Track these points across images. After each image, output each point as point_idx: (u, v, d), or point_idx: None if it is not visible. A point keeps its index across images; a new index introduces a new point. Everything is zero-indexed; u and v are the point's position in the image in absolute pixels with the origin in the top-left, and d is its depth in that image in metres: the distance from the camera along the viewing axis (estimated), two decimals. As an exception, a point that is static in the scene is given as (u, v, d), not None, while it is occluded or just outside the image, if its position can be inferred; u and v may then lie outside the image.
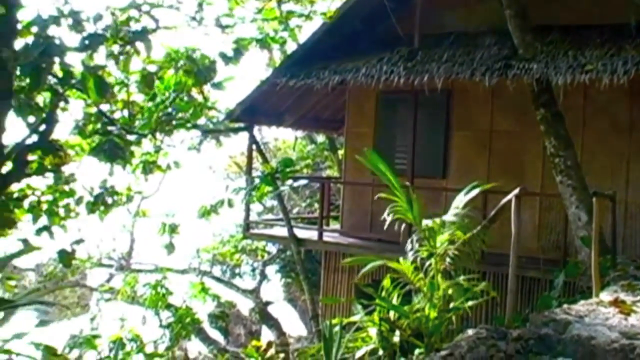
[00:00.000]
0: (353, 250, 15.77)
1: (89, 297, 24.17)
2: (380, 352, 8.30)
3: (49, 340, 7.20)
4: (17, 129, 8.97)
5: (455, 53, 14.47)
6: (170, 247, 12.39)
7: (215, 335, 23.40)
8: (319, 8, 15.92)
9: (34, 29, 8.40)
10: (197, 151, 16.17)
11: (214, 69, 11.27)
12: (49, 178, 10.24)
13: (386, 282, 8.84)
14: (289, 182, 16.33)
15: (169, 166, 14.01)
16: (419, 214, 9.04)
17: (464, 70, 13.95)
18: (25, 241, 10.23)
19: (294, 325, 26.54)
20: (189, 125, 13.56)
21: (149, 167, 13.31)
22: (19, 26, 8.57)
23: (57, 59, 8.14)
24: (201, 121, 14.19)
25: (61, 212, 10.51)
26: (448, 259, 8.68)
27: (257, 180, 17.10)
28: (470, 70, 13.85)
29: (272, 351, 16.98)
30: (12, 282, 13.34)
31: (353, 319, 9.03)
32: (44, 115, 9.17)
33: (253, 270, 26.90)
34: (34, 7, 8.37)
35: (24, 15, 8.60)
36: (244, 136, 18.60)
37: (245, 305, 25.35)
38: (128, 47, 9.52)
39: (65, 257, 9.77)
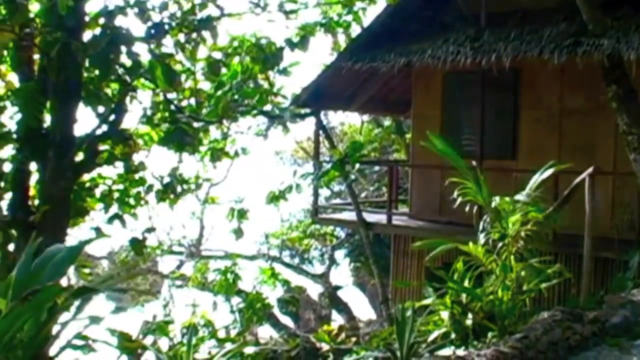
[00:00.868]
0: (422, 233, 15.64)
1: (160, 284, 24.46)
2: (453, 336, 8.22)
3: (123, 327, 7.30)
4: (87, 120, 9.10)
5: (523, 31, 14.19)
6: (239, 233, 12.47)
7: (286, 320, 23.53)
8: (383, -10, 15.81)
9: (101, 21, 8.48)
10: (264, 137, 16.20)
11: (280, 55, 11.29)
12: (119, 167, 10.38)
13: (458, 265, 8.73)
14: (358, 166, 16.27)
15: (236, 153, 14.08)
16: (488, 196, 8.92)
17: (532, 48, 13.66)
18: (97, 229, 10.41)
19: (363, 309, 26.54)
20: (255, 111, 13.60)
21: (216, 154, 13.39)
22: (87, 18, 8.68)
23: (124, 49, 8.21)
24: (267, 107, 14.21)
25: (132, 200, 10.64)
26: (521, 241, 8.54)
27: (324, 165, 17.07)
28: (538, 48, 13.56)
29: (342, 335, 16.99)
30: (86, 270, 13.56)
31: (424, 302, 8.94)
32: (113, 105, 9.28)
33: (322, 255, 26.96)
34: (101, -1, 8.46)
35: (91, 7, 8.70)
36: (310, 121, 18.57)
37: (314, 290, 25.43)
38: (194, 35, 9.57)
39: (137, 244, 9.91)
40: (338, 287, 25.64)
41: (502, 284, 8.23)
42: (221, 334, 16.54)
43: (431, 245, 9.62)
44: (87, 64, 8.63)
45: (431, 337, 8.27)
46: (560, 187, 12.41)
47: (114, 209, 10.55)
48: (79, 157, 9.08)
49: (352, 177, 18.63)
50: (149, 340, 13.40)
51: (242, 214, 12.04)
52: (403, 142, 25.01)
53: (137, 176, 10.49)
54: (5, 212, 8.76)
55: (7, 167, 9.04)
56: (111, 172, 10.63)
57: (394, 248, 17.75)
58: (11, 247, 8.49)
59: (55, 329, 4.84)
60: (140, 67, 8.68)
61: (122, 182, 10.54)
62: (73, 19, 8.30)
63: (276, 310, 22.54)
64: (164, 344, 14.40)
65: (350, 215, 18.04)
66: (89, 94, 8.85)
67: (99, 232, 10.05)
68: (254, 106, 12.84)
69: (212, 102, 11.70)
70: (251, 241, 25.95)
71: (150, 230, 10.38)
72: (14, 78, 9.39)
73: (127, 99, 9.67)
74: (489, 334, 7.83)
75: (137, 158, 10.18)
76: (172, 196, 10.85)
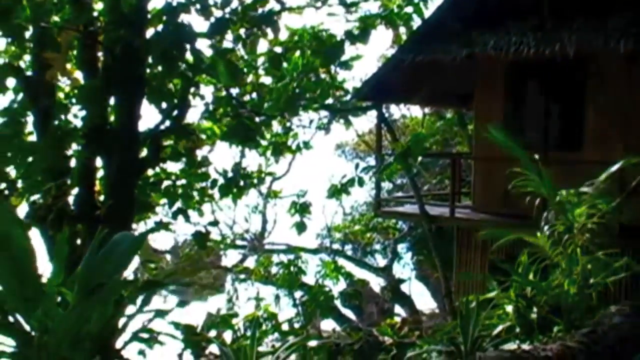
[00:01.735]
0: (486, 226, 15.43)
1: (223, 277, 24.66)
2: (517, 330, 8.12)
3: (186, 320, 7.37)
4: (150, 116, 9.21)
5: (588, 20, 13.94)
6: (301, 227, 12.50)
7: (348, 313, 23.54)
8: (443, -19, 15.68)
9: (164, 18, 8.56)
10: (326, 131, 16.20)
11: (341, 49, 11.27)
12: (183, 162, 10.48)
13: (522, 258, 8.62)
14: (420, 159, 16.18)
15: (298, 147, 14.10)
16: (552, 188, 8.79)
17: (597, 37, 13.40)
18: (162, 224, 10.53)
19: (426, 302, 26.43)
20: (316, 105, 13.60)
21: (278, 148, 13.44)
22: (150, 16, 8.78)
23: (187, 46, 8.28)
24: (329, 101, 14.20)
25: (195, 195, 10.74)
26: (587, 234, 8.40)
27: (386, 159, 17.01)
28: (603, 37, 13.31)
29: (405, 329, 16.94)
30: (152, 265, 13.74)
31: (488, 295, 8.85)
32: (176, 101, 9.37)
33: (384, 248, 26.89)
34: (163, -4, 8.54)
35: (154, 4, 8.80)
36: (372, 115, 18.52)
37: (377, 284, 25.39)
38: (255, 30, 9.60)
39: (201, 238, 10.00)
40: (401, 281, 25.56)
41: (568, 278, 8.10)
42: (284, 327, 16.62)
43: (496, 235, 9.52)
44: (150, 60, 8.72)
45: (495, 331, 8.18)
46: (627, 179, 12.18)
47: (178, 203, 10.65)
48: (143, 152, 9.19)
49: (415, 170, 18.54)
50: (212, 333, 13.53)
51: (304, 208, 12.07)
52: (465, 134, 24.78)
53: (200, 171, 10.57)
54: (72, 207, 8.91)
55: (74, 163, 9.20)
56: (175, 167, 10.74)
57: (457, 241, 17.59)
58: (78, 241, 8.63)
59: (121, 322, 4.90)
60: (202, 63, 8.74)
61: (186, 177, 10.63)
62: (136, 17, 8.40)
63: (339, 304, 22.57)
64: (227, 337, 14.53)
65: (412, 209, 17.94)
66: (152, 90, 8.94)
67: (161, 224, 10.18)
68: (315, 100, 12.84)
69: (274, 96, 11.73)
70: (313, 235, 26.02)
71: (214, 224, 10.46)
72: (79, 76, 9.54)
73: (190, 94, 9.76)
74: (555, 329, 7.72)
75: (200, 153, 10.26)
76: (235, 190, 10.91)
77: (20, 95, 9.27)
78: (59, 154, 8.91)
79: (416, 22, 17.27)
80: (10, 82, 9.19)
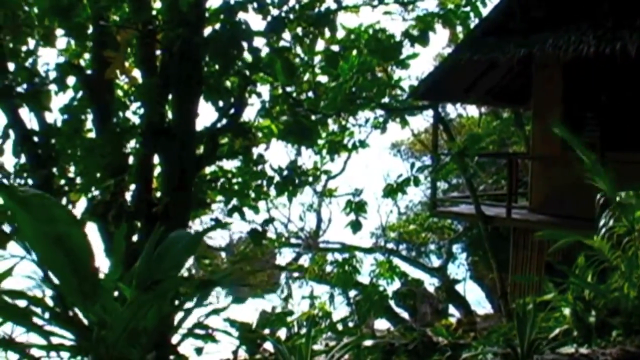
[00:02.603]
0: (543, 227, 15.25)
1: (277, 275, 24.73)
2: (575, 333, 7.99)
3: (241, 317, 7.39)
4: (208, 114, 9.27)
5: (649, 18, 13.69)
6: (356, 226, 12.47)
7: (402, 313, 23.46)
8: (501, -20, 15.53)
9: (222, 16, 8.60)
10: (382, 130, 16.13)
11: (398, 48, 11.23)
12: (239, 160, 10.53)
13: (580, 260, 8.49)
14: (476, 158, 16.04)
15: (354, 146, 14.08)
16: (612, 188, 8.64)
17: (659, 36, 13.16)
18: (217, 221, 10.60)
19: (480, 303, 26.23)
20: (373, 104, 13.56)
21: (334, 147, 13.43)
22: (207, 14, 8.83)
23: (244, 44, 8.31)
24: (385, 100, 14.15)
25: (251, 193, 10.78)
26: (648, 236, 8.23)
27: (442, 158, 16.90)
28: (666, 35, 13.06)
29: (460, 330, 16.82)
30: (206, 261, 13.82)
31: (545, 297, 8.73)
32: (233, 99, 9.41)
33: (439, 248, 26.75)
34: (221, -6, 8.58)
35: (211, 3, 8.85)
36: (428, 114, 18.44)
37: (431, 284, 25.28)
38: (312, 29, 9.61)
39: (257, 236, 10.03)
40: (455, 281, 25.40)
41: (627, 281, 7.96)
42: (338, 326, 16.61)
43: (553, 236, 9.39)
44: (207, 59, 8.78)
45: (552, 334, 8.07)
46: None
47: (234, 201, 10.71)
48: (200, 150, 9.26)
49: (470, 170, 18.41)
50: (265, 331, 13.58)
51: (360, 207, 12.04)
52: (522, 134, 24.51)
53: (256, 169, 10.61)
54: (129, 204, 9.01)
55: (132, 161, 9.30)
56: (231, 164, 10.79)
57: (513, 242, 17.42)
58: (134, 238, 8.73)
59: (177, 318, 4.94)
60: (260, 61, 8.77)
61: (242, 175, 10.68)
62: (194, 15, 8.46)
63: (392, 303, 22.50)
64: (281, 335, 14.58)
65: (468, 209, 17.81)
66: (209, 88, 9.00)
67: (217, 222, 10.24)
68: (371, 99, 12.80)
69: (330, 95, 11.73)
70: (368, 234, 25.98)
71: (270, 221, 10.48)
72: (137, 74, 9.64)
73: (247, 92, 9.81)
74: (614, 333, 7.59)
75: (256, 151, 10.30)
76: (290, 188, 10.93)
77: (80, 93, 9.39)
78: (118, 151, 9.02)
79: (473, 21, 17.18)
80: (71, 80, 9.33)
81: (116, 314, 4.15)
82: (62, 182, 9.28)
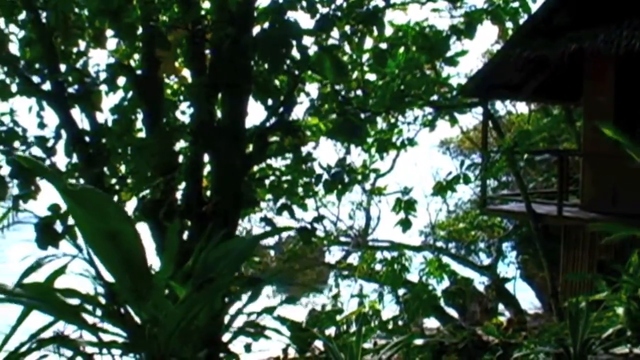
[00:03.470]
0: (594, 225, 15.10)
1: (326, 274, 24.74)
2: (629, 333, 7.89)
3: (289, 315, 7.40)
4: (257, 112, 9.29)
5: None
6: (406, 224, 12.42)
7: (451, 311, 23.34)
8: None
9: (271, 15, 8.62)
10: (431, 128, 16.05)
11: (446, 44, 11.16)
12: (288, 158, 10.54)
13: (633, 259, 8.37)
14: (526, 156, 15.90)
15: (403, 144, 14.03)
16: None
17: None
18: (266, 220, 10.62)
19: (530, 302, 26.00)
20: (421, 102, 13.50)
21: (383, 145, 13.39)
22: (256, 13, 8.86)
23: (294, 43, 8.31)
24: (434, 97, 14.08)
25: (300, 191, 10.79)
26: None
27: (492, 156, 16.77)
28: None
29: (510, 330, 16.69)
30: (256, 259, 13.88)
31: (598, 296, 8.62)
32: (282, 97, 9.43)
33: (489, 246, 26.57)
34: (270, -7, 8.59)
35: (260, 2, 8.87)
36: (477, 111, 18.32)
37: (480, 282, 25.12)
38: (360, 27, 9.58)
39: (306, 234, 10.03)
40: (505, 280, 25.20)
41: (683, 280, 7.84)
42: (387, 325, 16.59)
43: (608, 229, 9.26)
44: (256, 57, 8.80)
45: (605, 334, 7.96)
46: None
47: (283, 199, 10.72)
48: (249, 148, 9.29)
49: (520, 167, 18.25)
50: (314, 329, 13.59)
51: (409, 205, 11.98)
52: (573, 131, 24.22)
53: (305, 167, 10.62)
54: (179, 203, 9.07)
55: (181, 159, 9.37)
56: (280, 163, 10.81)
57: (564, 240, 17.25)
58: (184, 236, 8.78)
59: (228, 316, 4.96)
60: (308, 60, 8.77)
61: (291, 173, 10.69)
62: (243, 15, 8.49)
63: (442, 302, 22.38)
64: (330, 333, 14.58)
65: (518, 207, 17.67)
66: (258, 87, 9.02)
67: (273, 226, 10.28)
68: (420, 96, 12.74)
69: (379, 92, 11.69)
70: (417, 232, 25.89)
71: (319, 220, 10.48)
72: (187, 73, 9.70)
73: (295, 91, 9.81)
74: (669, 332, 7.48)
75: (305, 149, 10.30)
76: (339, 186, 10.91)
77: (130, 93, 9.47)
78: (168, 150, 9.07)
79: (523, 18, 17.01)
80: (121, 80, 9.41)
81: (168, 311, 4.18)
82: (113, 181, 9.36)
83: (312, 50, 8.85)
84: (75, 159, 9.19)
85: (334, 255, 25.50)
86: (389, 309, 19.54)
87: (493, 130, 18.95)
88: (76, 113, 9.16)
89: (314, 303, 22.05)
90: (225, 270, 4.34)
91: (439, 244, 25.69)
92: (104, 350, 4.44)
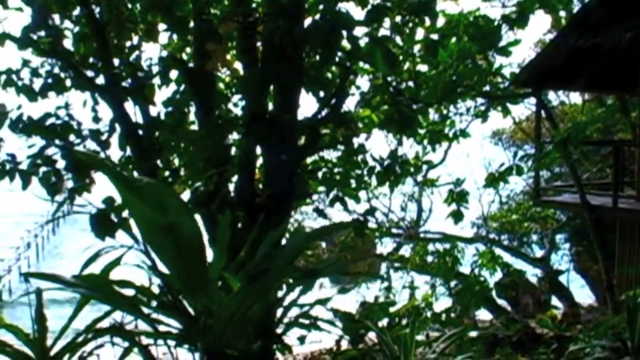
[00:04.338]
0: (651, 217, 14.88)
1: (378, 265, 24.71)
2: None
3: (340, 306, 7.40)
4: (309, 104, 9.29)
5: None
6: (458, 216, 12.33)
7: (503, 304, 23.18)
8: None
9: (322, 6, 8.61)
10: (483, 119, 15.90)
11: (498, 34, 11.04)
12: (340, 150, 10.53)
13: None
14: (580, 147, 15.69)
15: (455, 135, 13.92)
16: None
17: None
18: (319, 211, 10.63)
19: (584, 295, 25.74)
20: (473, 92, 13.39)
21: (435, 136, 13.31)
22: (307, 5, 8.85)
23: (345, 34, 8.29)
24: (486, 88, 13.94)
25: (353, 183, 10.77)
26: None
27: (545, 147, 16.58)
28: None
29: (565, 323, 16.54)
30: (307, 251, 13.90)
31: (656, 290, 8.49)
32: (333, 89, 9.42)
33: (541, 238, 26.32)
34: (320, -15, 8.57)
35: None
36: (529, 102, 18.13)
37: (533, 274, 24.90)
38: (412, 17, 9.51)
39: (359, 227, 10.02)
40: (559, 272, 24.94)
41: None
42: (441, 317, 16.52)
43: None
44: (308, 49, 8.79)
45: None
46: None
47: (335, 191, 10.72)
48: (302, 140, 9.29)
49: (574, 158, 18.01)
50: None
51: (461, 197, 11.88)
52: (628, 121, 23.83)
53: (357, 158, 10.60)
54: (232, 195, 9.11)
55: (234, 152, 9.41)
56: (332, 155, 10.81)
57: (619, 232, 17.00)
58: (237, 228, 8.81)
59: (282, 308, 4.97)
60: (360, 51, 8.74)
61: (343, 165, 10.67)
62: (294, 7, 8.48)
63: (494, 294, 22.24)
64: (383, 325, 14.55)
65: (572, 198, 17.46)
66: (310, 79, 9.01)
67: (326, 218, 10.28)
68: (472, 87, 12.63)
69: (430, 84, 11.62)
70: (469, 223, 25.74)
71: (372, 211, 10.44)
72: (238, 66, 9.73)
73: (347, 82, 9.79)
74: None
75: (357, 141, 10.29)
76: (392, 178, 10.87)
77: (183, 86, 9.54)
78: (220, 143, 9.12)
79: (576, 7, 16.79)
80: (173, 74, 9.48)
81: (223, 303, 4.20)
82: (167, 173, 9.43)
83: (363, 41, 8.82)
84: (129, 152, 9.28)
85: (385, 247, 25.44)
86: (442, 301, 19.46)
87: (546, 120, 18.75)
88: (129, 106, 9.26)
89: (364, 295, 22.04)
90: (280, 262, 4.35)
91: (492, 235, 25.51)
92: (159, 342, 4.48)
